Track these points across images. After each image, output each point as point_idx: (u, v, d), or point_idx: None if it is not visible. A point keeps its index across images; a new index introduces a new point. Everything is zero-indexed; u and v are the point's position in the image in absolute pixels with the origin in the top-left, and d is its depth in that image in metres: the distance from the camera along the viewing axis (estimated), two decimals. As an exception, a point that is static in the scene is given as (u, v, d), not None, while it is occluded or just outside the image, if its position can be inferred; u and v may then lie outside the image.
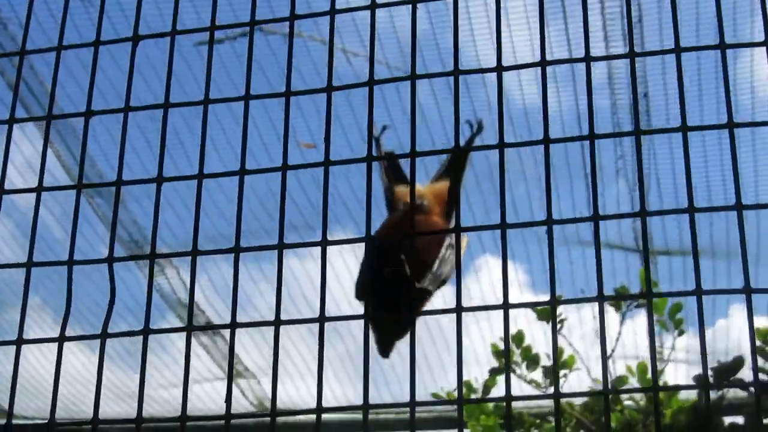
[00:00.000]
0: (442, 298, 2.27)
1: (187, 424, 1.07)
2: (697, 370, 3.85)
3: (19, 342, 1.15)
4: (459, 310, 1.05)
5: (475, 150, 2.81)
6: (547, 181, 1.09)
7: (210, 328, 4.66)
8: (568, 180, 3.75)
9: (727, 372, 2.85)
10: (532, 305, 2.67)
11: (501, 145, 1.11)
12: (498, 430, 3.44)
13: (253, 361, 4.52)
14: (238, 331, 1.11)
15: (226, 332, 1.18)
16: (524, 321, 3.73)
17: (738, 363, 2.86)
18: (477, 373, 3.59)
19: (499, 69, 1.14)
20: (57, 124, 3.29)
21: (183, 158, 3.51)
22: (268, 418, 1.08)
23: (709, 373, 2.55)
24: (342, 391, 4.72)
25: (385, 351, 2.05)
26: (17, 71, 1.55)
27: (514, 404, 3.62)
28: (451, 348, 4.25)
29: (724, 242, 3.86)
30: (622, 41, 3.34)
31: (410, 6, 1.20)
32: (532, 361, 3.52)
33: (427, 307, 2.16)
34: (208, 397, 4.63)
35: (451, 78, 1.15)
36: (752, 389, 2.95)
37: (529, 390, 3.52)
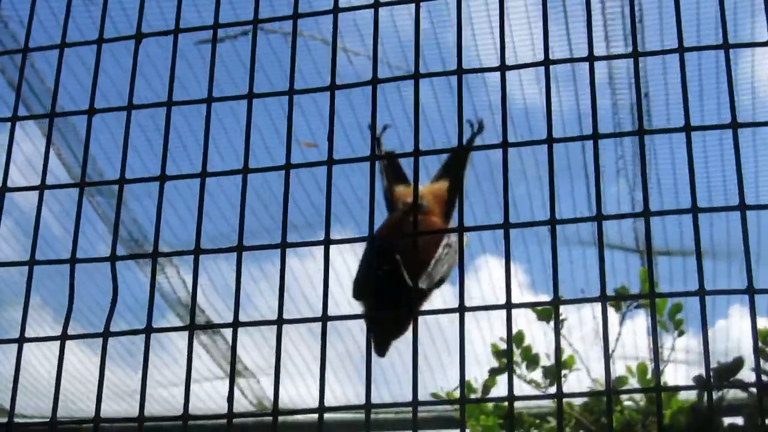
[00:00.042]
0: (442, 298, 2.27)
1: (188, 423, 1.07)
2: (697, 370, 3.84)
3: (21, 340, 1.14)
4: (462, 309, 1.04)
5: (478, 149, 2.81)
6: (550, 180, 1.09)
7: (212, 327, 4.64)
8: (569, 180, 3.75)
9: (727, 373, 2.84)
10: (534, 305, 2.68)
11: (504, 145, 1.10)
12: (498, 430, 3.44)
13: (252, 361, 4.51)
14: (238, 331, 1.10)
15: (226, 332, 1.18)
16: (524, 321, 3.73)
17: (738, 364, 2.86)
18: (476, 373, 3.59)
19: (503, 68, 1.14)
20: (58, 123, 3.28)
21: (184, 158, 3.51)
22: (268, 418, 1.07)
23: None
24: (342, 390, 4.71)
25: (381, 350, 2.04)
26: (20, 69, 1.54)
27: (514, 404, 3.59)
28: (451, 348, 4.25)
29: (724, 242, 3.85)
30: (623, 41, 3.33)
31: (413, 5, 1.20)
32: (531, 361, 3.52)
33: (426, 306, 2.15)
34: (207, 396, 4.62)
35: (452, 77, 1.14)
36: (752, 390, 2.95)
37: (529, 390, 3.51)
